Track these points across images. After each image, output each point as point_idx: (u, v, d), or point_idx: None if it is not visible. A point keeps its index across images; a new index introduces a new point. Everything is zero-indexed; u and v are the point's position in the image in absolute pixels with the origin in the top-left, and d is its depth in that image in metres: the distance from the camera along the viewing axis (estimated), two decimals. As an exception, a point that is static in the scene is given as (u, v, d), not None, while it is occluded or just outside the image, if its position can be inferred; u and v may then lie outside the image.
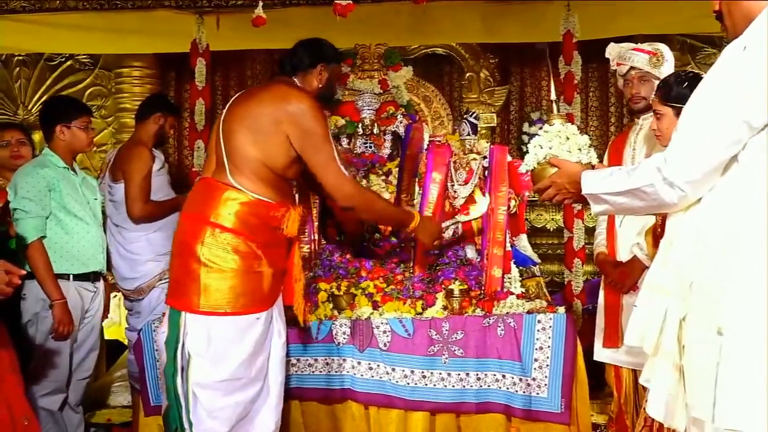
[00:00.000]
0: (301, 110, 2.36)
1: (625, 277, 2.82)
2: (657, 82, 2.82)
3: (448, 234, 3.19)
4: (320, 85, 2.57)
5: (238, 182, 2.35)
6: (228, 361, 2.31)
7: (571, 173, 1.88)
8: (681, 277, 1.64)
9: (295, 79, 2.54)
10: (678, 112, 2.34)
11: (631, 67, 2.87)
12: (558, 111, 2.05)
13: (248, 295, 2.33)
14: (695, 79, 2.09)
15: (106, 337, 3.74)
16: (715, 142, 1.56)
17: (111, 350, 4.35)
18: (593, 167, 1.94)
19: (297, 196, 2.91)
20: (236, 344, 2.32)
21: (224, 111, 2.48)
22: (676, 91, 2.31)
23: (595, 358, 2.95)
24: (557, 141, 1.93)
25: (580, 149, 1.93)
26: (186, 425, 2.32)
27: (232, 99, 2.53)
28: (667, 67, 2.85)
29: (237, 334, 2.32)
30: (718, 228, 1.58)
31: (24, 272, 2.17)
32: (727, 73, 1.56)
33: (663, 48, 2.89)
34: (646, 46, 2.90)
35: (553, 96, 2.11)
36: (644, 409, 2.40)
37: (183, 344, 2.32)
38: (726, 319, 1.52)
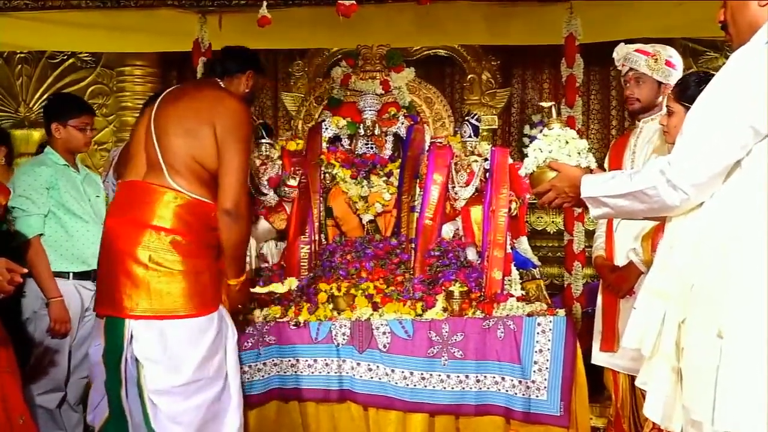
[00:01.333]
0: (233, 110, 2.42)
1: (621, 281, 2.82)
2: (654, 84, 2.83)
3: (448, 236, 3.19)
4: (246, 91, 2.67)
5: (177, 183, 2.34)
6: (185, 365, 2.28)
7: (571, 177, 1.89)
8: (681, 281, 1.65)
9: (221, 83, 2.60)
10: None
11: (630, 68, 2.87)
12: (557, 115, 2.04)
13: (199, 296, 2.32)
14: None
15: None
16: (721, 146, 1.56)
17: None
18: (592, 171, 1.95)
19: (297, 193, 2.91)
20: (193, 347, 2.30)
21: (152, 112, 2.45)
22: (693, 91, 2.30)
23: (593, 361, 2.95)
24: (557, 145, 1.94)
25: (579, 153, 1.93)
26: None
27: (160, 99, 2.50)
28: (672, 71, 2.84)
29: (193, 337, 2.30)
30: (720, 232, 1.59)
31: (25, 270, 2.17)
32: (734, 78, 1.57)
33: (664, 50, 2.86)
34: (648, 47, 2.89)
35: (546, 104, 2.13)
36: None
37: (127, 353, 2.27)
38: (726, 322, 1.53)
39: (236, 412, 2.43)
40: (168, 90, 2.57)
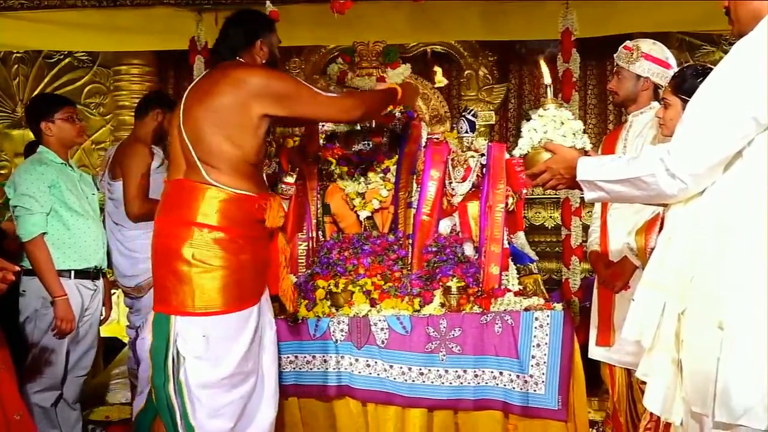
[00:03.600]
0: (262, 83, 2.36)
1: (616, 277, 2.82)
2: (632, 77, 2.84)
3: (446, 231, 3.20)
4: (263, 60, 2.54)
5: (216, 179, 2.34)
6: (228, 359, 2.33)
7: (567, 158, 1.86)
8: (680, 272, 1.64)
9: (241, 59, 2.50)
10: (686, 105, 2.36)
11: (616, 63, 2.91)
12: (552, 96, 2.03)
13: (239, 291, 2.35)
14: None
15: (105, 334, 3.74)
16: (722, 136, 1.56)
17: (110, 348, 4.35)
18: (587, 153, 1.93)
19: (294, 191, 2.91)
20: (234, 341, 2.34)
21: (179, 112, 2.42)
22: (690, 83, 2.31)
23: (590, 355, 2.96)
24: (552, 125, 1.92)
25: (574, 134, 1.91)
26: (185, 430, 2.30)
27: (184, 99, 2.45)
28: (650, 65, 2.82)
29: (234, 332, 2.34)
30: (719, 223, 1.59)
31: (17, 268, 2.17)
32: (736, 68, 1.56)
33: (643, 44, 2.84)
34: (630, 42, 2.90)
35: (546, 80, 2.07)
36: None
37: (174, 349, 2.30)
38: (726, 314, 1.53)
39: (271, 400, 2.47)
40: (192, 84, 2.52)
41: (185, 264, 2.30)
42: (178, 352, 2.31)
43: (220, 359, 2.32)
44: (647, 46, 2.86)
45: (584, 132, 1.95)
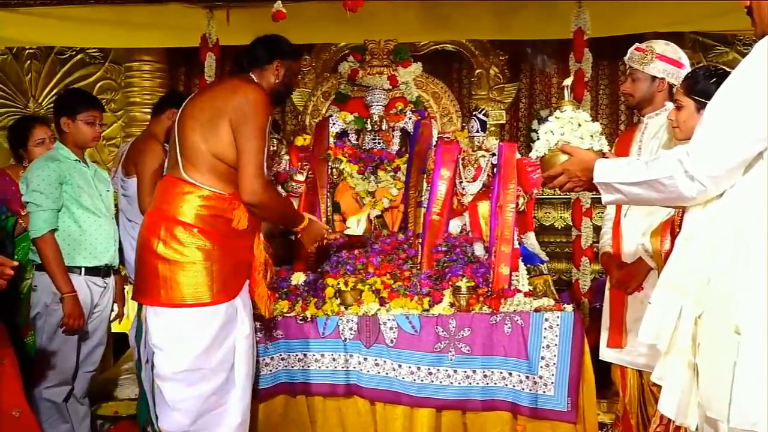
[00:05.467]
0: (246, 99, 2.37)
1: (629, 278, 2.80)
2: (647, 78, 2.82)
3: (456, 231, 3.19)
4: (277, 81, 2.55)
5: (192, 177, 2.38)
6: (186, 352, 2.35)
7: (584, 160, 1.84)
8: (698, 275, 1.62)
9: (252, 75, 2.53)
10: (700, 106, 2.32)
11: (629, 65, 2.88)
12: (570, 97, 2.02)
13: (206, 287, 2.36)
14: (723, 75, 2.04)
15: (114, 330, 3.75)
16: (741, 138, 1.54)
17: (118, 343, 4.36)
18: (604, 155, 1.91)
19: (305, 188, 2.91)
20: (194, 335, 2.35)
21: (180, 111, 2.50)
22: (703, 85, 2.29)
23: (601, 357, 2.94)
24: (569, 127, 1.90)
25: (592, 136, 1.90)
26: (153, 418, 2.39)
27: (188, 98, 2.55)
28: (666, 65, 2.80)
29: (195, 326, 2.36)
30: (737, 226, 1.56)
31: (16, 263, 2.18)
32: (757, 70, 1.53)
33: (657, 45, 2.83)
34: (644, 44, 2.89)
35: (566, 81, 2.08)
36: (658, 409, 2.38)
37: (145, 339, 2.39)
38: (743, 318, 1.50)
39: (239, 403, 2.44)
40: (201, 87, 2.60)
41: (155, 257, 2.36)
42: (150, 342, 2.39)
43: (176, 352, 2.35)
44: (660, 46, 2.84)
45: (601, 133, 1.93)
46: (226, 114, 2.37)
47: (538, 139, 1.97)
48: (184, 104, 2.50)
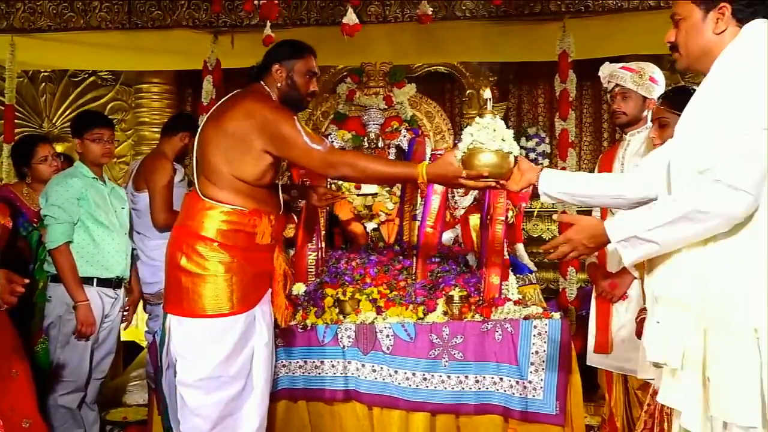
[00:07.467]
0: (266, 121, 2.31)
1: (614, 287, 2.80)
2: (639, 98, 2.84)
3: (449, 243, 3.18)
4: (280, 84, 2.45)
5: (211, 194, 2.37)
6: (206, 361, 2.34)
7: (590, 226, 1.68)
8: (698, 284, 1.53)
9: (263, 84, 2.47)
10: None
11: (616, 84, 2.89)
12: (491, 107, 2.19)
13: (226, 299, 2.35)
14: None
15: (124, 338, 3.73)
16: (762, 144, 1.45)
17: (127, 351, 4.34)
18: (516, 159, 2.04)
19: (304, 204, 2.89)
20: (214, 344, 2.34)
21: (199, 129, 2.47)
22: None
23: (588, 362, 2.93)
24: (485, 131, 2.07)
25: (503, 139, 2.06)
26: (173, 423, 2.37)
27: (207, 116, 2.50)
28: (655, 86, 2.85)
29: (215, 335, 2.34)
30: (736, 230, 1.49)
31: (26, 281, 2.19)
32: (752, 79, 1.49)
33: (648, 67, 2.89)
34: (632, 65, 2.91)
35: (487, 95, 2.23)
36: (643, 412, 2.36)
37: (168, 347, 2.39)
38: (759, 319, 1.43)
39: (257, 409, 2.43)
40: (218, 103, 2.52)
41: (179, 270, 2.36)
42: (171, 351, 2.39)
43: (197, 361, 2.34)
44: (650, 68, 2.90)
45: (513, 138, 2.09)
46: (251, 140, 2.32)
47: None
48: (202, 126, 2.46)
